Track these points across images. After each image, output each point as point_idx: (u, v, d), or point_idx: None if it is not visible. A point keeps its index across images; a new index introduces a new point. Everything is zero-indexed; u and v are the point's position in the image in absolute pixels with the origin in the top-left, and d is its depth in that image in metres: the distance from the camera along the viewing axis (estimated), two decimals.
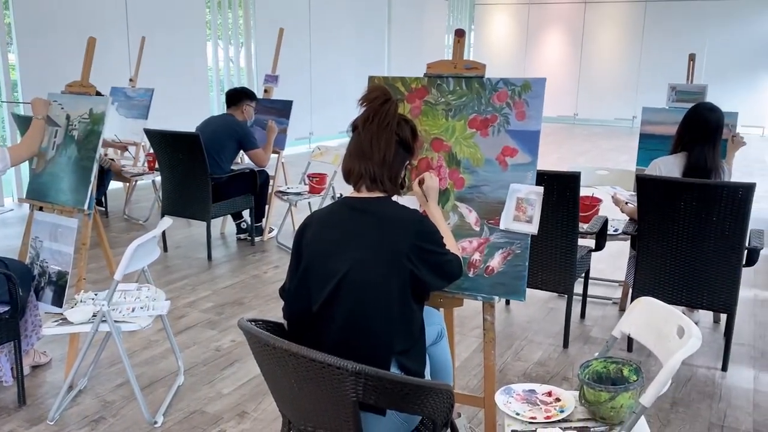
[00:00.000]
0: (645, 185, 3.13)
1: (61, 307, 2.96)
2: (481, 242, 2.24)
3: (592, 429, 1.79)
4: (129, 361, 2.68)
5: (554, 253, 3.33)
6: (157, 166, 5.09)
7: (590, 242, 3.57)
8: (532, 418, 1.83)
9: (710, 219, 3.00)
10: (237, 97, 5.08)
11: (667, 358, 1.67)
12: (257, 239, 5.34)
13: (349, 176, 1.92)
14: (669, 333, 1.79)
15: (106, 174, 5.59)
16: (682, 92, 4.77)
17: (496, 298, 2.22)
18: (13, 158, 3.02)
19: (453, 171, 2.28)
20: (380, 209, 1.86)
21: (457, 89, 2.28)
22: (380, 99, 1.90)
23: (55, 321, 2.72)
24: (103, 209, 6.19)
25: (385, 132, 1.87)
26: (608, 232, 3.65)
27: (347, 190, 1.97)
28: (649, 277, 3.24)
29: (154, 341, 3.44)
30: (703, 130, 3.26)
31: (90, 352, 2.89)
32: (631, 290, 3.36)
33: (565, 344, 3.46)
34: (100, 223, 3.71)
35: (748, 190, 2.91)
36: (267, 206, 5.39)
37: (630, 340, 3.40)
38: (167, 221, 2.88)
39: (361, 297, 1.76)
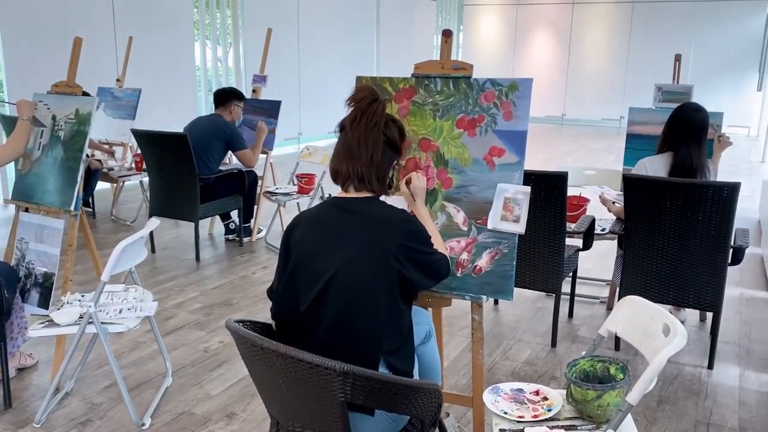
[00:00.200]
0: (632, 185, 3.15)
1: (47, 308, 2.94)
2: (469, 242, 2.24)
3: (579, 427, 1.80)
4: (116, 362, 2.66)
5: (542, 252, 3.35)
6: (144, 166, 5.07)
7: (578, 241, 3.59)
8: (520, 417, 1.84)
9: (696, 218, 3.03)
10: (225, 97, 5.07)
11: (653, 357, 1.68)
12: (246, 240, 5.33)
13: (336, 176, 1.92)
14: (655, 331, 1.80)
15: (93, 175, 5.56)
16: (668, 92, 4.81)
17: (484, 297, 2.23)
18: None
19: (441, 171, 2.29)
20: (368, 209, 1.86)
21: (445, 89, 2.29)
22: (368, 99, 1.90)
23: (42, 323, 2.70)
24: (91, 210, 6.15)
25: (372, 132, 1.87)
26: (595, 232, 3.67)
27: (336, 191, 1.97)
28: (636, 276, 3.26)
29: (142, 343, 3.42)
30: (688, 130, 3.29)
31: (77, 354, 2.88)
32: (618, 289, 3.38)
33: (553, 343, 3.48)
34: (86, 223, 3.69)
35: (733, 189, 2.93)
36: (255, 207, 5.38)
37: (617, 339, 3.42)
38: (155, 222, 2.86)
39: (349, 297, 1.77)
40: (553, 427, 1.78)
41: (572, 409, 1.88)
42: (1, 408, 2.75)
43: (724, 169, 4.14)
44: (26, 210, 3.17)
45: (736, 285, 4.45)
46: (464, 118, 2.26)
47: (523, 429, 1.78)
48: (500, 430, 1.80)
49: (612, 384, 1.81)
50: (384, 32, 13.02)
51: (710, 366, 3.25)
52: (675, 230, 3.09)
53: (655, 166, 3.35)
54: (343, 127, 1.92)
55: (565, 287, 3.66)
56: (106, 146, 6.01)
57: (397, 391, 1.56)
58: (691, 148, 3.28)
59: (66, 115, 3.16)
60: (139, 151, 5.31)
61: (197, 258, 4.84)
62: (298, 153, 5.55)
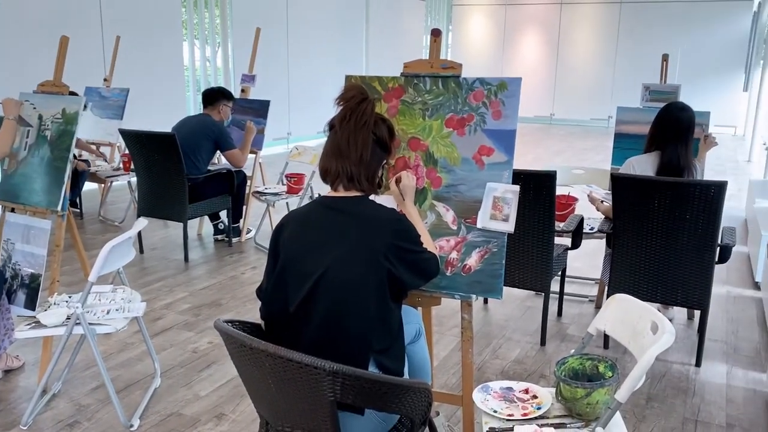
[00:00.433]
0: (620, 184, 3.16)
1: (33, 310, 2.91)
2: (459, 241, 2.25)
3: (568, 425, 1.81)
4: (104, 364, 2.64)
5: (531, 251, 3.36)
6: (132, 166, 5.04)
7: (566, 241, 3.60)
8: (510, 415, 1.85)
9: (683, 217, 3.05)
10: (214, 96, 5.04)
11: (642, 354, 1.69)
12: (235, 240, 5.31)
13: (326, 175, 1.91)
14: (643, 329, 1.81)
15: (80, 175, 5.51)
16: (655, 92, 4.84)
17: (474, 296, 2.24)
18: None
19: (430, 170, 2.29)
20: (357, 208, 1.86)
21: (434, 89, 2.29)
22: (357, 98, 1.90)
23: (28, 324, 2.67)
24: (78, 210, 6.10)
25: (362, 131, 1.87)
26: (584, 231, 3.68)
27: (325, 191, 1.96)
28: (625, 274, 3.27)
29: (130, 344, 3.40)
30: (675, 130, 3.31)
31: (64, 356, 2.85)
32: (606, 288, 3.40)
33: (543, 342, 3.49)
34: (74, 224, 3.66)
35: (720, 188, 2.96)
36: (244, 207, 5.36)
37: (606, 337, 3.44)
38: (142, 222, 2.85)
39: (339, 296, 1.76)
40: (542, 425, 1.79)
41: (561, 407, 1.89)
42: None
43: (710, 168, 4.18)
44: (12, 210, 3.14)
45: (723, 283, 4.49)
46: (453, 117, 2.26)
47: (512, 427, 1.78)
48: (490, 428, 1.80)
49: (601, 382, 1.81)
50: (373, 32, 13.02)
51: (698, 363, 3.27)
52: (663, 229, 3.11)
53: (643, 165, 3.37)
54: (332, 126, 1.92)
55: (554, 286, 3.68)
56: (93, 147, 5.96)
57: (386, 391, 1.56)
58: (678, 148, 3.30)
59: (53, 115, 3.13)
60: (126, 151, 5.28)
61: (186, 258, 4.82)
62: (288, 153, 5.54)
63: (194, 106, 9.26)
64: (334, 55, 11.76)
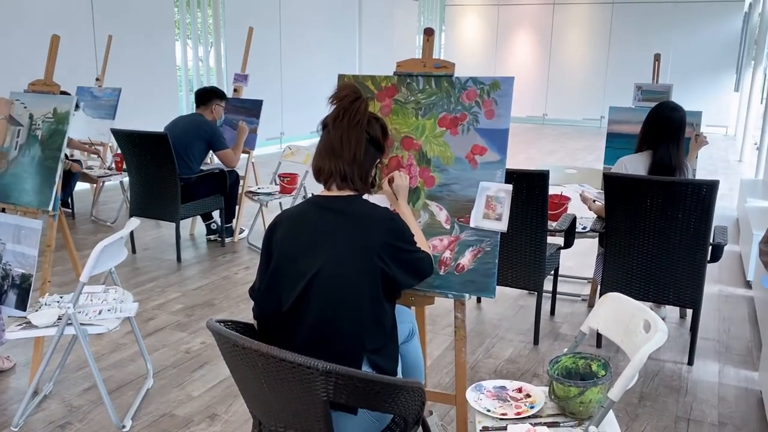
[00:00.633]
0: (612, 183, 3.17)
1: (24, 310, 2.89)
2: (452, 240, 2.25)
3: (561, 424, 1.81)
4: (96, 364, 2.63)
5: (524, 250, 3.36)
6: (124, 166, 5.01)
7: (559, 240, 3.61)
8: (503, 414, 1.85)
9: (676, 216, 3.06)
10: (206, 96, 5.03)
11: (634, 353, 1.70)
12: (227, 240, 5.29)
13: (319, 174, 1.91)
14: (636, 328, 1.81)
15: (72, 175, 5.48)
16: (647, 92, 4.85)
17: (467, 295, 2.24)
18: None
19: (423, 169, 2.29)
20: (351, 208, 1.86)
21: (427, 88, 2.29)
22: (350, 97, 1.89)
23: (19, 325, 2.65)
24: (70, 211, 6.07)
25: (355, 130, 1.86)
26: (577, 230, 3.69)
27: (318, 190, 1.96)
28: (617, 273, 3.28)
29: (122, 344, 3.39)
30: (666, 129, 3.32)
31: (55, 356, 2.84)
32: (599, 287, 3.41)
33: (536, 341, 3.50)
34: (65, 224, 3.63)
35: (712, 187, 2.97)
36: (237, 207, 5.34)
37: (599, 336, 3.45)
38: (135, 222, 2.83)
39: (332, 296, 1.76)
40: (535, 424, 1.79)
41: (555, 405, 1.89)
42: None
43: (702, 167, 4.20)
44: (3, 210, 3.12)
45: (716, 282, 4.51)
46: (446, 116, 2.26)
47: (506, 426, 1.78)
48: (483, 427, 1.80)
49: (594, 381, 1.82)
50: (366, 32, 13.01)
51: (690, 362, 3.29)
52: (655, 228, 3.12)
53: (635, 164, 3.38)
54: (325, 125, 1.91)
55: (547, 285, 3.68)
56: (87, 145, 5.92)
57: (379, 390, 1.55)
58: (670, 147, 3.31)
59: (44, 114, 3.12)
60: (119, 151, 5.25)
61: (178, 258, 4.80)
62: (281, 152, 5.53)
63: (187, 106, 9.23)
64: (328, 54, 11.75)
